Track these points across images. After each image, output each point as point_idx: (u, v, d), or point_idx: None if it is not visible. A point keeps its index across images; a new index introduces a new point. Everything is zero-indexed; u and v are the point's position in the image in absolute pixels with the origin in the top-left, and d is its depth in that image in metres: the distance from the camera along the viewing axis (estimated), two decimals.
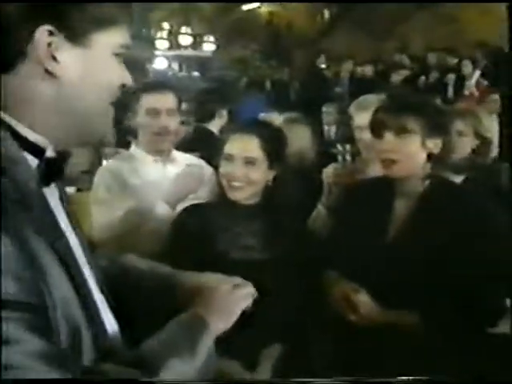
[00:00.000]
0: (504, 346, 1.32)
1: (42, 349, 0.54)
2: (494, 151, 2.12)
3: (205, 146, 2.27)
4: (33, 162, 0.65)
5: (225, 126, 2.72)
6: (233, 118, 2.82)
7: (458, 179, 1.95)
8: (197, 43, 9.50)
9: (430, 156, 1.37)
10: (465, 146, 2.05)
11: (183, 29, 9.52)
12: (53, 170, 0.67)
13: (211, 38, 9.53)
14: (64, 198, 0.73)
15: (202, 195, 1.73)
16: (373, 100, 1.94)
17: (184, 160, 1.88)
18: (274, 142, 1.46)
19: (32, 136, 0.65)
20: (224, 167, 1.44)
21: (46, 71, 0.63)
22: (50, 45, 0.62)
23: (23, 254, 0.56)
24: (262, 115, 2.48)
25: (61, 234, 0.66)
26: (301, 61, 8.30)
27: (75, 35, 0.64)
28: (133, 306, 0.85)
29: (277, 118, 2.04)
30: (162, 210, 1.68)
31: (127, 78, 0.72)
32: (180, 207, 1.64)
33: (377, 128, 1.41)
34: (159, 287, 0.86)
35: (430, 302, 1.28)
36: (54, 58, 0.63)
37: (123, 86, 0.72)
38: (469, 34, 7.13)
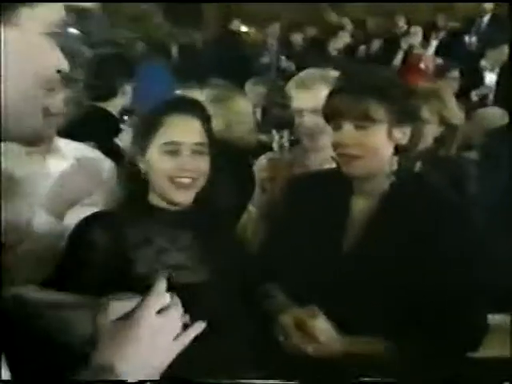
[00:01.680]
0: (488, 373, 1.41)
1: None
2: (459, 139, 2.26)
3: (102, 131, 2.21)
4: None
5: (127, 106, 2.68)
6: (137, 95, 2.78)
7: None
8: None
9: (397, 148, 1.41)
10: (427, 134, 2.15)
11: None
12: None
13: None
14: None
15: (97, 199, 1.71)
16: (317, 76, 1.98)
17: (72, 151, 1.80)
18: (209, 124, 1.50)
19: None
20: (168, 160, 1.43)
21: None
22: None
23: None
24: (180, 91, 2.48)
25: None
26: (216, 22, 8.31)
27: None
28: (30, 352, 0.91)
29: (199, 95, 2.04)
30: (43, 221, 1.60)
31: (62, 63, 0.76)
32: (70, 218, 1.59)
33: (332, 116, 1.43)
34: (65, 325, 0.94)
35: (400, 324, 1.33)
36: None
37: (58, 72, 0.76)
38: None
